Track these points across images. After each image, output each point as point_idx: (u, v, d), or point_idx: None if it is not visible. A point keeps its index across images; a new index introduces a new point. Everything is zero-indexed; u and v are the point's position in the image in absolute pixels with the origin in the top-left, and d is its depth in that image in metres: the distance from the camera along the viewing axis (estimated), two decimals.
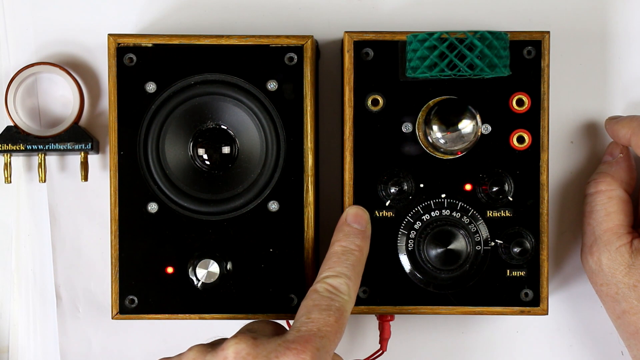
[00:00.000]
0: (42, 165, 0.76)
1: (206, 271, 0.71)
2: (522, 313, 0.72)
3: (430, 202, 0.71)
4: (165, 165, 0.71)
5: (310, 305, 0.64)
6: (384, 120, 0.71)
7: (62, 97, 0.78)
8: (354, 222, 0.69)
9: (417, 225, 0.71)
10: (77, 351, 0.79)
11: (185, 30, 0.77)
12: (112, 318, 0.72)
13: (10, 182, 0.76)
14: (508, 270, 0.72)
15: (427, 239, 0.70)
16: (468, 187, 0.71)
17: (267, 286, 0.72)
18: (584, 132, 0.78)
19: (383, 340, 0.75)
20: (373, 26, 0.76)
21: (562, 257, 0.78)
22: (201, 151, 0.71)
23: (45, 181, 0.76)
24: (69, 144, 0.75)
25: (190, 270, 0.71)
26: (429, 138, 0.69)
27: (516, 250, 0.71)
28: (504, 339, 0.79)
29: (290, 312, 0.72)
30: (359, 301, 0.72)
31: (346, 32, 0.71)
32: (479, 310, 0.72)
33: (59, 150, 0.75)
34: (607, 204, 0.72)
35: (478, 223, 0.71)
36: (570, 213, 0.78)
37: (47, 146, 0.75)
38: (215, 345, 0.65)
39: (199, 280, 0.71)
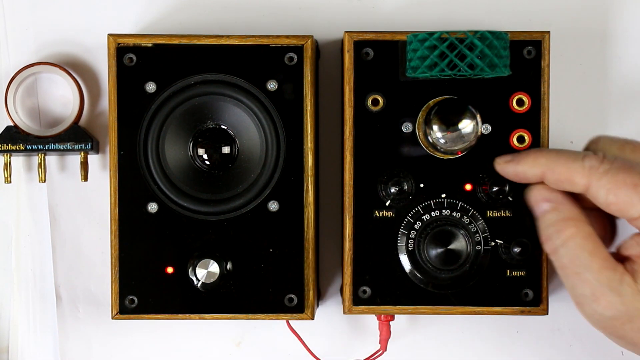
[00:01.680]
0: (42, 165, 0.76)
1: (206, 271, 0.71)
2: (522, 313, 0.72)
3: (430, 202, 0.71)
4: (165, 165, 0.71)
5: None
6: (384, 120, 0.71)
7: (62, 97, 0.78)
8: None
9: (417, 225, 0.71)
10: (77, 351, 0.79)
11: (185, 30, 0.77)
12: (112, 318, 0.72)
13: (10, 182, 0.76)
14: (508, 270, 0.72)
15: (427, 239, 0.70)
16: (468, 187, 0.71)
17: (267, 286, 0.72)
18: (584, 132, 0.78)
19: (383, 340, 0.75)
20: (373, 26, 0.76)
21: None
22: (201, 151, 0.71)
23: (45, 181, 0.76)
24: (69, 144, 0.75)
25: (190, 270, 0.71)
26: (429, 138, 0.69)
27: (516, 250, 0.71)
28: (504, 339, 0.79)
29: (290, 312, 0.72)
30: (359, 301, 0.72)
31: (346, 32, 0.71)
32: (479, 310, 0.72)
33: (59, 150, 0.75)
34: (586, 245, 0.65)
35: (478, 223, 0.71)
36: None
37: (47, 146, 0.75)
38: None
39: (199, 280, 0.71)
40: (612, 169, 0.64)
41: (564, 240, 0.65)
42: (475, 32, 0.68)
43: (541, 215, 0.67)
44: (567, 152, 0.66)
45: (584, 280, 0.64)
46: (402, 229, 0.71)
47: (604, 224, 0.69)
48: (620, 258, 0.66)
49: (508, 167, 0.69)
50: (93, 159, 0.78)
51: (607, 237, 0.70)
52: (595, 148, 0.68)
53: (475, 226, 0.71)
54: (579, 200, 0.67)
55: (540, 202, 0.68)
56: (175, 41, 0.71)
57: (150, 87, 0.71)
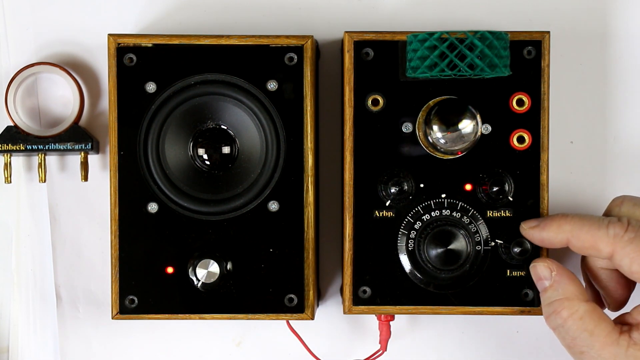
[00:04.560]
0: (42, 165, 0.76)
1: (206, 271, 0.71)
2: (522, 313, 0.72)
3: (430, 202, 0.71)
4: (165, 165, 0.71)
5: None
6: (384, 120, 0.71)
7: (62, 97, 0.78)
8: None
9: (417, 225, 0.71)
10: (77, 351, 0.79)
11: (185, 30, 0.77)
12: (112, 318, 0.72)
13: (10, 182, 0.76)
14: (508, 270, 0.72)
15: (427, 239, 0.70)
16: (468, 187, 0.71)
17: (267, 286, 0.72)
18: (584, 132, 0.78)
19: (383, 340, 0.75)
20: (373, 26, 0.76)
21: (562, 257, 0.78)
22: (201, 151, 0.71)
23: (45, 181, 0.76)
24: (69, 144, 0.75)
25: (190, 270, 0.71)
26: (429, 138, 0.69)
27: (516, 250, 0.71)
28: (504, 339, 0.79)
29: (290, 312, 0.72)
30: (359, 301, 0.72)
31: (346, 32, 0.71)
32: (479, 310, 0.72)
33: (59, 150, 0.75)
34: (584, 325, 0.65)
35: (478, 223, 0.71)
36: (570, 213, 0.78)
37: (47, 146, 0.75)
38: None
39: (199, 280, 0.71)
40: (636, 238, 0.64)
41: (562, 321, 0.66)
42: (475, 32, 0.68)
43: (541, 293, 0.69)
44: (591, 219, 0.67)
45: (589, 357, 0.65)
46: (402, 229, 0.71)
47: (628, 285, 0.70)
48: (631, 322, 0.66)
49: (533, 233, 0.69)
50: (93, 159, 0.78)
51: (628, 296, 0.71)
52: (619, 212, 0.68)
53: (475, 226, 0.71)
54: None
55: (541, 278, 0.69)
56: (175, 41, 0.71)
57: (150, 87, 0.71)
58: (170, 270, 0.72)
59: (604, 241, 0.65)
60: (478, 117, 0.68)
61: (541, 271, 0.69)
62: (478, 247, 0.71)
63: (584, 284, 0.69)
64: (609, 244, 0.65)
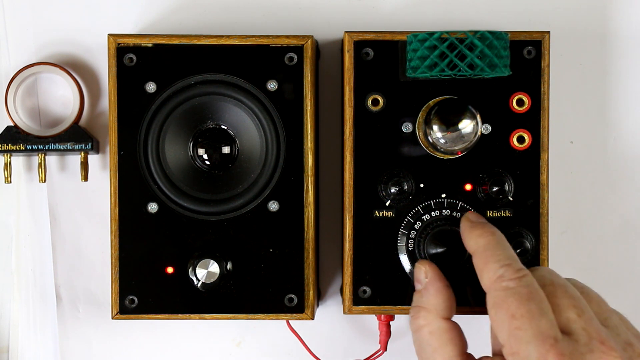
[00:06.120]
0: (42, 165, 0.76)
1: (206, 271, 0.71)
2: None
3: (430, 202, 0.71)
4: (165, 165, 0.72)
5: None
6: (384, 120, 0.71)
7: (62, 97, 0.78)
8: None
9: (417, 225, 0.71)
10: (77, 351, 0.79)
11: (185, 30, 0.77)
12: (112, 318, 0.72)
13: (10, 182, 0.76)
14: None
15: (427, 239, 0.70)
16: (468, 187, 0.71)
17: (267, 286, 0.72)
18: (584, 132, 0.78)
19: (383, 340, 0.75)
20: (373, 26, 0.76)
21: (562, 257, 0.78)
22: (201, 151, 0.71)
23: (45, 181, 0.76)
24: (69, 144, 0.75)
25: (190, 270, 0.71)
26: (429, 138, 0.69)
27: (516, 250, 0.71)
28: None
29: (290, 312, 0.72)
30: (359, 301, 0.72)
31: (346, 32, 0.71)
32: (479, 310, 0.72)
33: (59, 150, 0.75)
34: (432, 340, 0.65)
35: None
36: (570, 213, 0.78)
37: (47, 146, 0.75)
38: None
39: (199, 280, 0.71)
40: (510, 289, 0.61)
41: (416, 327, 0.66)
42: (475, 32, 0.68)
43: (414, 293, 0.68)
44: (502, 251, 0.64)
45: None
46: (402, 229, 0.71)
47: None
48: None
49: (463, 226, 0.68)
50: (93, 159, 0.78)
51: None
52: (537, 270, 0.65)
53: None
54: None
55: (415, 279, 0.68)
56: (175, 41, 0.71)
57: (150, 87, 0.71)
58: (170, 270, 0.72)
59: (485, 276, 0.63)
60: (478, 117, 0.68)
61: (418, 273, 0.68)
62: None
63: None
64: (488, 280, 0.63)
